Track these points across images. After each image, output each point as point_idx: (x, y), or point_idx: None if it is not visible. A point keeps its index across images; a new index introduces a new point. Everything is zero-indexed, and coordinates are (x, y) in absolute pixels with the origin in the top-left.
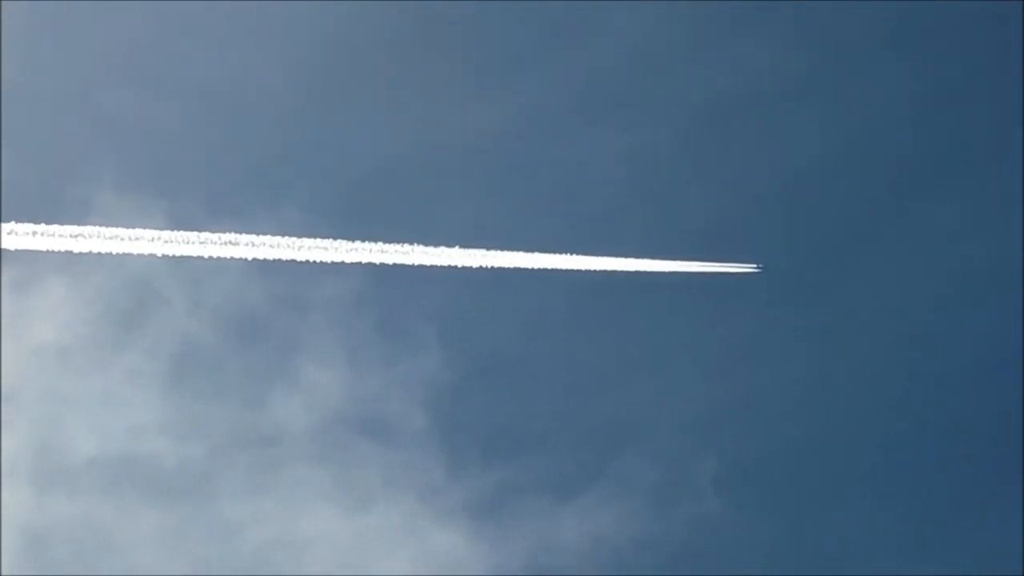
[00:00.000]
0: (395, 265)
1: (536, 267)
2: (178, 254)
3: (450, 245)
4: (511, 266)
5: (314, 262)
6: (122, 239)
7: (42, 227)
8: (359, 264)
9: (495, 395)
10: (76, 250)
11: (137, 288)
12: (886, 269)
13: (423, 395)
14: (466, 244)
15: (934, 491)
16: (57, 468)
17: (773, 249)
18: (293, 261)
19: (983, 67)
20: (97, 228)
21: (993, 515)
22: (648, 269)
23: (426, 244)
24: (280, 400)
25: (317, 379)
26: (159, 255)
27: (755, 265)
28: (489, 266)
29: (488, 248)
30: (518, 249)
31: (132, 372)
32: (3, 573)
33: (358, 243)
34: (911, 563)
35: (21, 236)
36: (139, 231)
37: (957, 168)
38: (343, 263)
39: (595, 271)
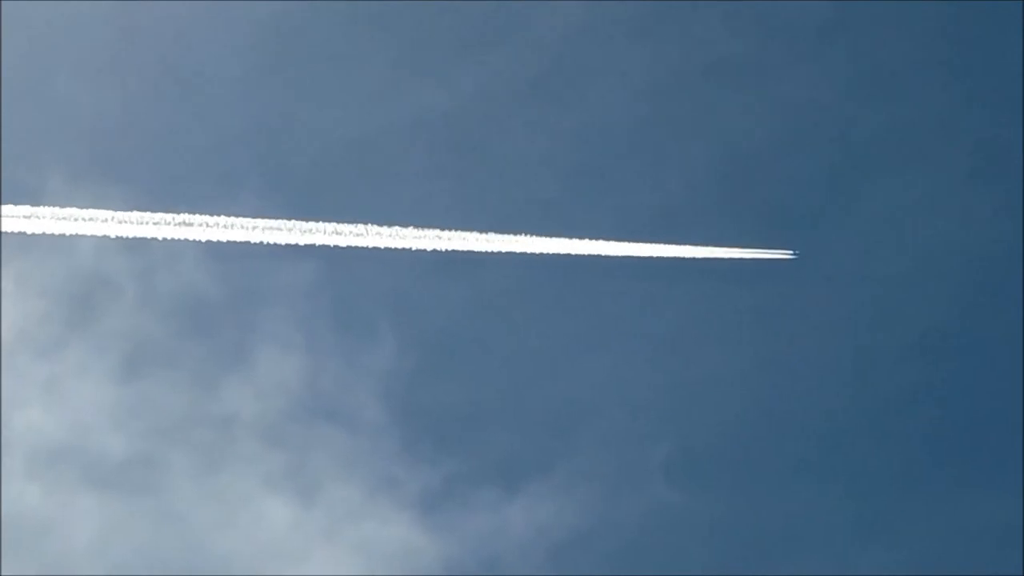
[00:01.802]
0: (349, 248)
1: (492, 250)
2: (130, 235)
3: (404, 226)
4: (466, 249)
5: (267, 244)
6: (74, 219)
7: None
8: (313, 247)
9: (450, 381)
10: (28, 231)
11: (87, 276)
12: (837, 249)
13: (376, 382)
14: (421, 225)
15: (888, 474)
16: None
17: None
18: (246, 243)
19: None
20: (48, 209)
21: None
22: (602, 252)
23: (383, 225)
24: (231, 388)
25: (269, 367)
26: (112, 236)
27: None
28: (444, 249)
29: (442, 229)
30: (472, 230)
31: (81, 361)
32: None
33: (312, 224)
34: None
35: None
36: (92, 211)
37: (906, 149)
38: (297, 246)
39: (549, 253)
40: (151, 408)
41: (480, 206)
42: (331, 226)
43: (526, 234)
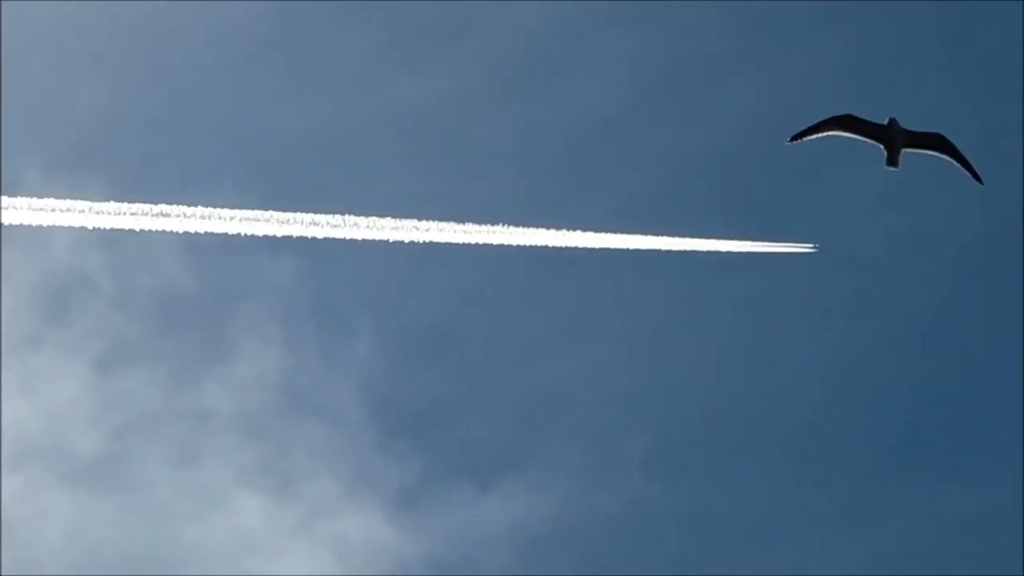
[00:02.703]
0: (328, 240)
1: (471, 242)
2: (107, 226)
3: (382, 216)
4: (445, 241)
5: (245, 237)
6: (51, 210)
7: None
8: (291, 239)
9: (428, 374)
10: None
11: (63, 270)
12: (816, 242)
13: (354, 376)
14: (399, 216)
15: (866, 467)
16: None
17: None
18: (224, 236)
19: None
20: (26, 199)
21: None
22: (581, 244)
23: (362, 216)
24: (208, 382)
25: (247, 361)
26: (88, 228)
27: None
28: (423, 240)
29: (421, 220)
30: (451, 222)
31: (57, 356)
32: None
33: (290, 215)
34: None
35: None
36: (68, 202)
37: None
38: (275, 238)
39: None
40: (127, 403)
41: (459, 198)
42: (309, 217)
43: (504, 225)
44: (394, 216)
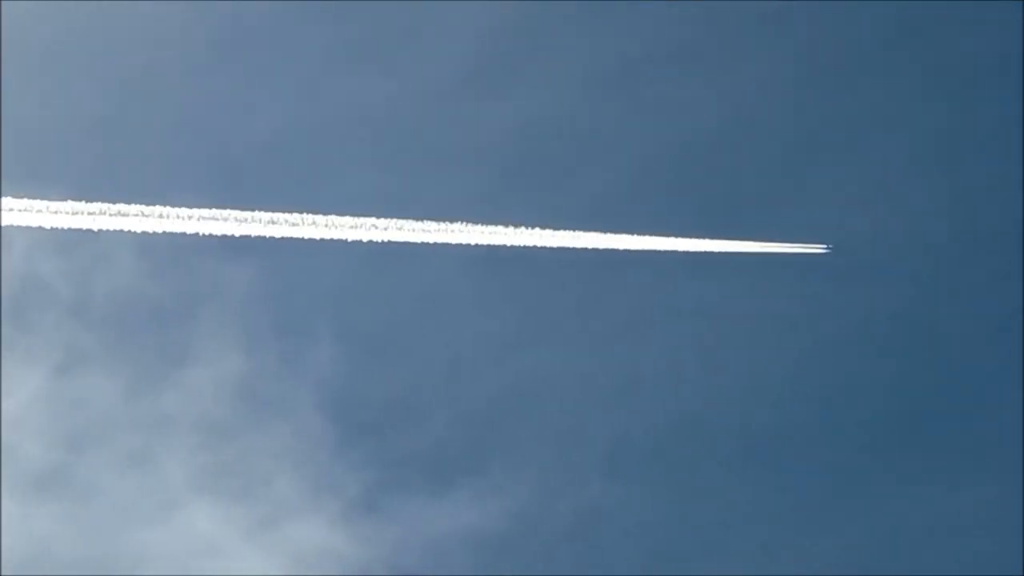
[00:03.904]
0: (286, 240)
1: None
2: (64, 227)
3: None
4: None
5: (204, 237)
6: (8, 210)
7: None
8: (249, 239)
9: (387, 376)
10: None
11: (20, 276)
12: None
13: (313, 379)
14: (359, 215)
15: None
16: None
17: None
18: (183, 238)
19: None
20: None
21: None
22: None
23: (322, 215)
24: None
25: (206, 365)
26: (46, 228)
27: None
28: (385, 240)
29: (380, 219)
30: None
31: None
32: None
33: (249, 214)
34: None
35: None
36: (25, 201)
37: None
38: (234, 238)
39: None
40: (84, 408)
41: (418, 197)
42: (268, 216)
43: (464, 223)
44: (352, 215)
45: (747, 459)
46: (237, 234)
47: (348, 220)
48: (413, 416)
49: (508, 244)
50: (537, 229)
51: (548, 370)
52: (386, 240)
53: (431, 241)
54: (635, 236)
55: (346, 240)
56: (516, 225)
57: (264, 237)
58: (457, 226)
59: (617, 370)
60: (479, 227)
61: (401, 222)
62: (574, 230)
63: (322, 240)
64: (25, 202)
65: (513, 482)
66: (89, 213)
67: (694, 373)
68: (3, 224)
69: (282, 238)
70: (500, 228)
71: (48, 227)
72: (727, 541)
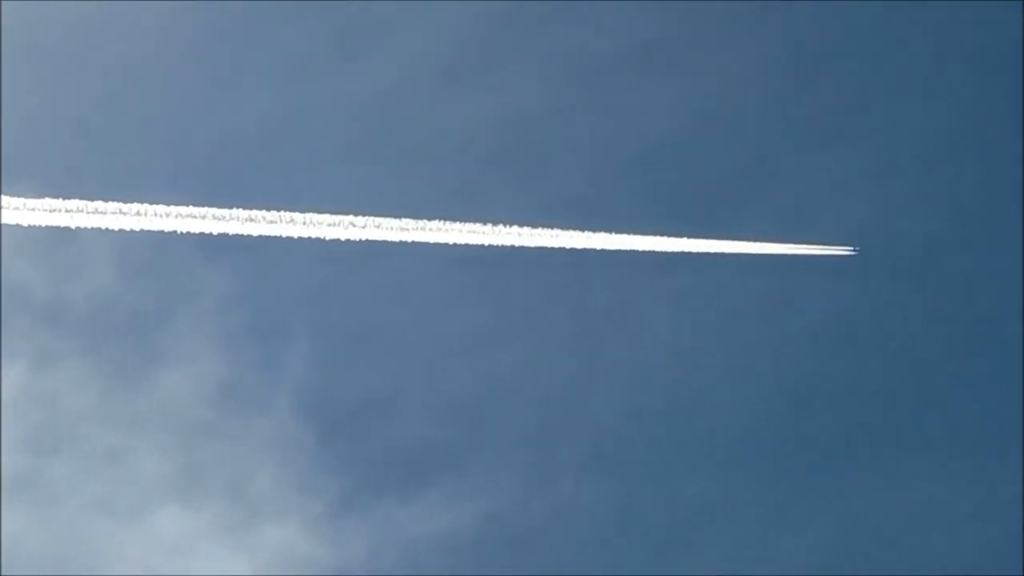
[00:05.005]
0: (261, 238)
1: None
2: (37, 224)
3: (319, 212)
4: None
5: (179, 236)
6: None
7: None
8: (225, 238)
9: (362, 377)
10: None
11: None
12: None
13: (288, 381)
14: (334, 212)
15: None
16: None
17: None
18: (159, 238)
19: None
20: None
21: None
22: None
23: (294, 212)
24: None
25: (179, 366)
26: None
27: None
28: (361, 238)
29: (357, 216)
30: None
31: None
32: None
33: (224, 211)
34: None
35: None
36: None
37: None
38: (209, 236)
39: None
40: (57, 408)
41: (390, 195)
42: (246, 213)
43: (441, 221)
44: (330, 213)
45: (725, 458)
46: (215, 232)
47: (326, 218)
48: (389, 416)
49: (488, 243)
50: (516, 227)
51: (524, 369)
52: (361, 238)
53: (408, 240)
54: (614, 235)
55: (323, 238)
56: (495, 223)
57: (241, 235)
58: (434, 224)
59: (591, 368)
60: (456, 225)
61: (379, 220)
62: (551, 227)
63: (299, 238)
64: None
65: (490, 482)
66: (65, 211)
67: (670, 372)
68: None
69: (259, 236)
70: (480, 226)
71: (22, 225)
72: (704, 540)
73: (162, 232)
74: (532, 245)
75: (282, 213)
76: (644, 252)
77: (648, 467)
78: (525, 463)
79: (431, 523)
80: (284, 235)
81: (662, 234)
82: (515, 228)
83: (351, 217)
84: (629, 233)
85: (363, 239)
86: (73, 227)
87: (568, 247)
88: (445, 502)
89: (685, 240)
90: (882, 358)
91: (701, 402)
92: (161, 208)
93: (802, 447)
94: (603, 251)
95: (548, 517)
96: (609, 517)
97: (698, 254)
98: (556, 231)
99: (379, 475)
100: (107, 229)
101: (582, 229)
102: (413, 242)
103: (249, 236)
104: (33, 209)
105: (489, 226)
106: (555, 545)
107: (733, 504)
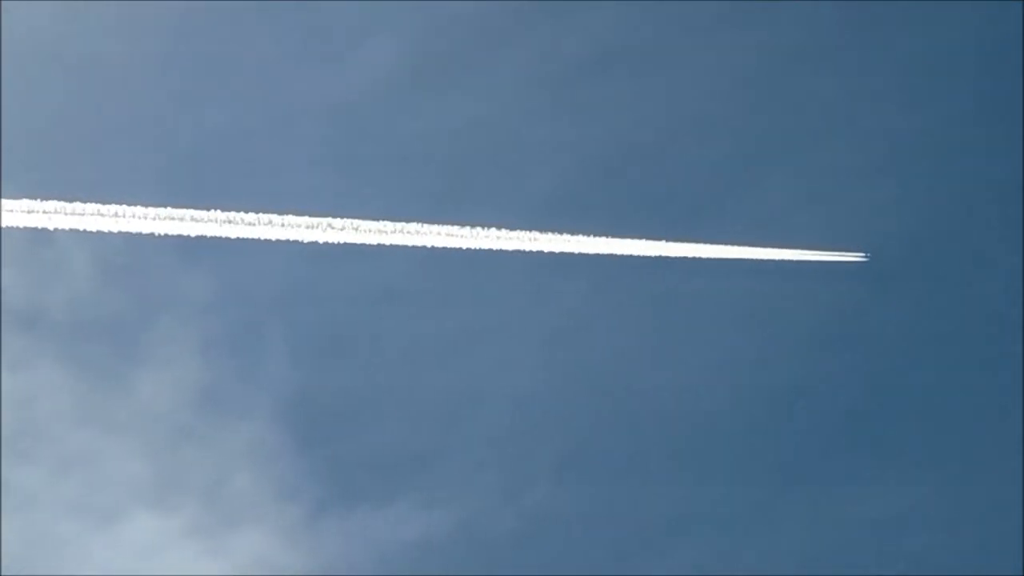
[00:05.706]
0: (239, 240)
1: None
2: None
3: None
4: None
5: (158, 239)
6: None
7: None
8: (203, 243)
9: (338, 380)
10: None
11: None
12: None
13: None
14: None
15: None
16: None
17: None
18: (137, 241)
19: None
20: None
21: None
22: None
23: (275, 214)
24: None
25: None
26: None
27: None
28: (338, 241)
29: (335, 218)
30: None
31: None
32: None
33: (203, 213)
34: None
35: None
36: None
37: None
38: (188, 238)
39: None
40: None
41: (372, 196)
42: (223, 215)
43: (418, 223)
44: (306, 215)
45: (698, 460)
46: (193, 234)
47: (304, 220)
48: (365, 421)
49: (466, 246)
50: (493, 229)
51: (499, 372)
52: (342, 241)
53: (386, 242)
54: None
55: (301, 240)
56: (472, 225)
57: (220, 238)
58: (412, 226)
59: (567, 370)
60: (434, 227)
61: (357, 222)
62: (528, 230)
63: (278, 241)
64: None
65: (465, 486)
66: (43, 212)
67: (644, 376)
68: None
69: (237, 239)
70: (457, 228)
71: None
72: (678, 545)
73: (140, 234)
74: (509, 248)
75: (260, 215)
76: (621, 256)
77: (622, 471)
78: (500, 467)
79: (406, 528)
80: (263, 237)
81: (639, 237)
82: (492, 231)
83: (329, 219)
84: (606, 236)
85: (341, 241)
86: (51, 229)
87: (544, 250)
88: (420, 507)
89: (663, 244)
90: (868, 360)
91: (676, 406)
92: (139, 210)
93: (780, 449)
94: (576, 255)
95: (523, 521)
96: (584, 521)
97: (674, 258)
98: (533, 234)
99: (355, 480)
100: (85, 231)
101: (559, 231)
102: (391, 245)
103: (227, 238)
104: (10, 211)
105: (467, 229)
106: (530, 549)
107: (708, 508)
